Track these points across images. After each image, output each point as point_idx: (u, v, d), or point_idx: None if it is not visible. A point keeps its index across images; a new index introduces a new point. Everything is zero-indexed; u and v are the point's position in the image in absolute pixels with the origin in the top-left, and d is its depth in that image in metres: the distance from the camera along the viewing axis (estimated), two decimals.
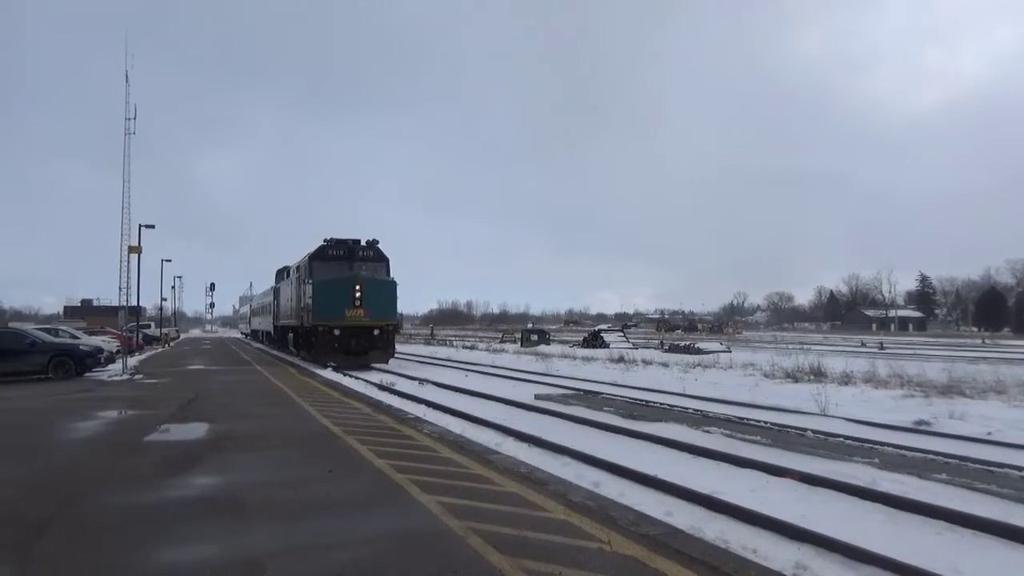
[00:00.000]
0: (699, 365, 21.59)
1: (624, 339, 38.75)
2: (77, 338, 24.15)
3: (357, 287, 22.07)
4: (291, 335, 27.31)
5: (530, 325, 68.36)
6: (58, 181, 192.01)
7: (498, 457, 7.35)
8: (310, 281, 22.78)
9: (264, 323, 39.84)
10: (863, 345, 38.76)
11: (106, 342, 25.84)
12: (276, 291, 32.69)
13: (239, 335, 71.67)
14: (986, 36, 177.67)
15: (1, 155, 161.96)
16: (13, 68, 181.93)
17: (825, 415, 11.22)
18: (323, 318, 22.03)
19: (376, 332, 22.38)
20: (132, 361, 23.21)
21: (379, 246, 24.16)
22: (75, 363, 19.00)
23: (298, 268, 25.54)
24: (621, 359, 23.94)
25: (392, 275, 24.07)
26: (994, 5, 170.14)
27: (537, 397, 13.83)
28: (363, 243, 24.04)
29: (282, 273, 31.72)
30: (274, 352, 33.27)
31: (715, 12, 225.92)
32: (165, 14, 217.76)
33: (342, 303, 21.94)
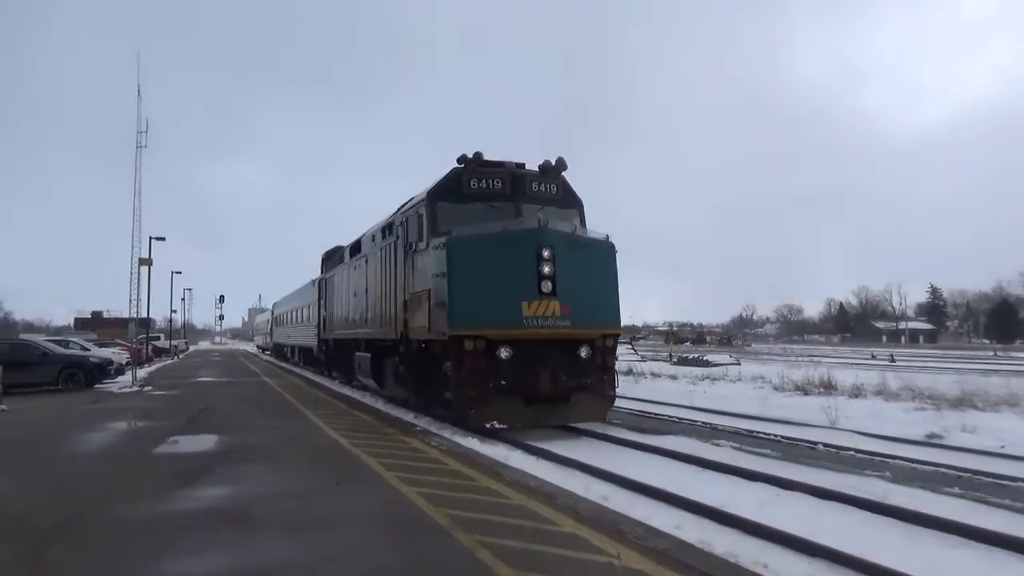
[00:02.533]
0: (708, 377, 21.43)
1: (632, 351, 38.58)
2: (87, 350, 24.35)
3: (545, 252, 9.91)
4: (367, 358, 14.80)
5: None
6: (69, 193, 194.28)
7: (506, 470, 7.33)
8: (439, 243, 10.46)
9: (300, 335, 27.25)
10: (873, 357, 38.43)
11: (116, 354, 26.02)
12: (323, 284, 21.47)
13: (252, 348, 71.67)
14: (995, 46, 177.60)
15: (12, 167, 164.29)
16: (23, 80, 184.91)
17: (835, 428, 11.12)
18: (474, 320, 9.84)
19: (584, 352, 10.46)
20: (141, 373, 23.34)
21: (566, 175, 11.68)
22: (85, 375, 19.18)
23: (391, 228, 13.15)
24: (629, 371, 23.76)
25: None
26: (1000, 17, 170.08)
27: None
28: (537, 169, 11.41)
29: (334, 257, 20.15)
30: (325, 383, 20.85)
31: (735, 27, 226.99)
32: (175, 23, 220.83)
33: (515, 287, 9.88)
